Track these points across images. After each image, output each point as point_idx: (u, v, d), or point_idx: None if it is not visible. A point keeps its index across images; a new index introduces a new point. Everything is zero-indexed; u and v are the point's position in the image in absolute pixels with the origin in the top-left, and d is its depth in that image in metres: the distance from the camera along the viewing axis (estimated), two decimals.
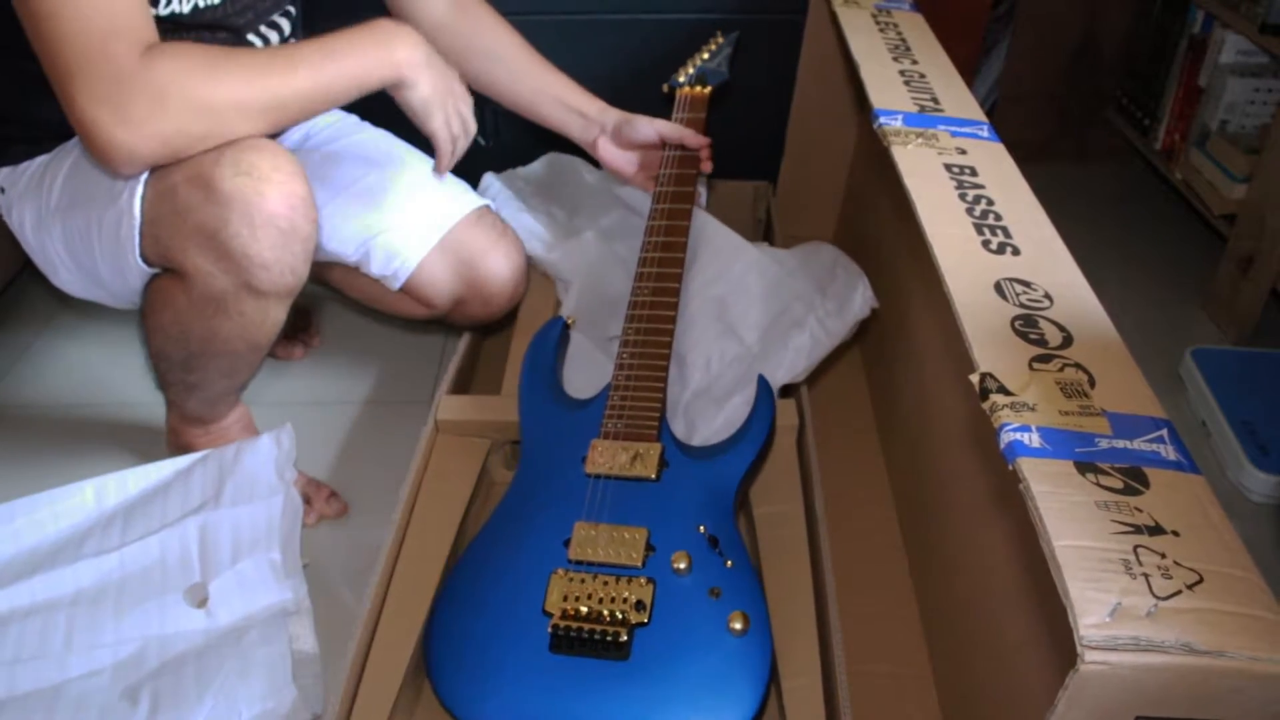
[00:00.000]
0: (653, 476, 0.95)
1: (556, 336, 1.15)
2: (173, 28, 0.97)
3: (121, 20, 0.83)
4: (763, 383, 1.07)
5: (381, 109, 1.28)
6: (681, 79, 1.38)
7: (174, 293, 0.98)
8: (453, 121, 1.06)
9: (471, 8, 1.23)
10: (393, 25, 0.98)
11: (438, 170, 1.15)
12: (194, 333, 1.00)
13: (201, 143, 0.89)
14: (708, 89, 1.36)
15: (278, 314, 1.01)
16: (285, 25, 1.10)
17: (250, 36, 1.05)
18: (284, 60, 0.91)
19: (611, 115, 1.26)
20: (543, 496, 0.96)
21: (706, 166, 1.26)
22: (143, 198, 0.93)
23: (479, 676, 0.85)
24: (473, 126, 1.10)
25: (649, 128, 1.24)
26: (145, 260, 0.96)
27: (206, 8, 0.98)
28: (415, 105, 1.02)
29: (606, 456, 0.97)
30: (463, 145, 1.11)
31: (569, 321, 1.19)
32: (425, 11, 1.20)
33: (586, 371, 1.16)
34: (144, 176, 0.93)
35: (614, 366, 1.05)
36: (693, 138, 1.25)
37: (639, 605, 0.85)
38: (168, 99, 0.84)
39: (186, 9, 0.97)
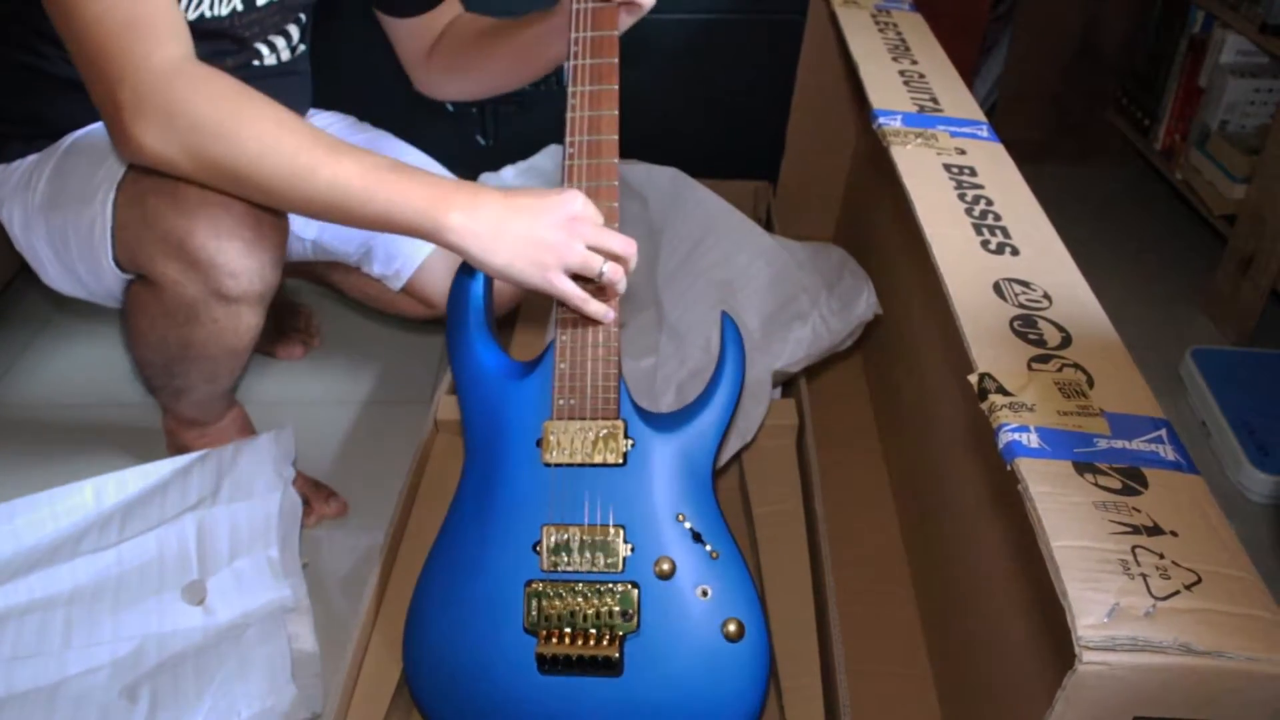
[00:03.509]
0: (619, 462, 0.86)
1: (481, 284, 0.93)
2: None
3: (142, 12, 0.80)
4: (726, 320, 0.93)
5: (381, 109, 1.29)
6: None
7: (148, 300, 0.97)
8: (559, 280, 0.84)
9: (457, 24, 1.19)
10: (466, 187, 0.82)
11: (591, 310, 0.87)
12: (170, 340, 0.99)
13: (200, 172, 0.83)
14: None
15: (251, 319, 1.00)
16: (294, 31, 1.09)
17: (258, 45, 1.05)
18: (324, 147, 0.81)
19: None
20: (501, 494, 0.88)
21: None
22: (114, 202, 0.92)
23: (469, 704, 0.84)
24: (595, 263, 0.84)
25: None
26: (119, 265, 0.96)
27: (212, 18, 0.98)
28: (500, 277, 0.85)
29: (564, 442, 0.87)
30: (619, 282, 0.86)
31: None
32: (422, 44, 1.18)
33: None
34: (116, 180, 0.92)
35: (553, 321, 0.91)
36: None
37: (625, 614, 0.83)
38: (176, 116, 0.80)
39: (191, 16, 0.96)
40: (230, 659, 0.95)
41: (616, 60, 0.91)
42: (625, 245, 0.84)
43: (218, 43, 1.01)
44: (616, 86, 0.91)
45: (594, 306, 0.86)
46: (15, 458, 1.27)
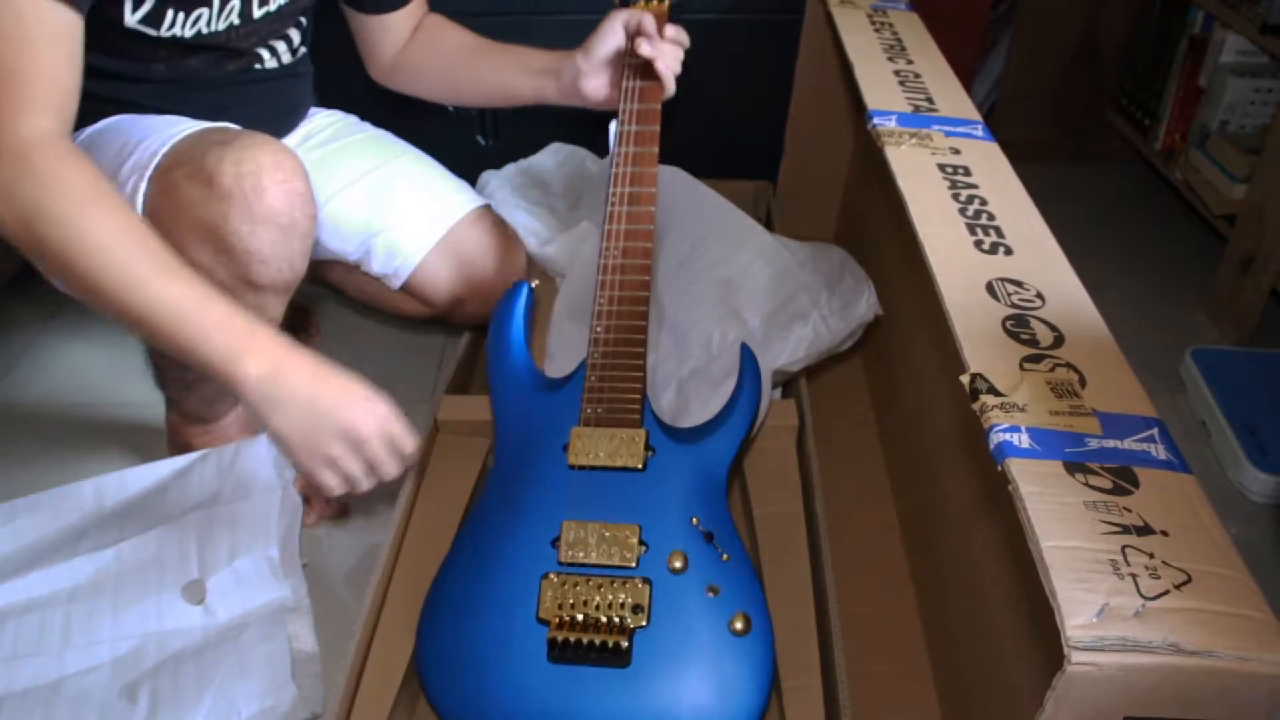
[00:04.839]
0: (639, 466, 0.92)
1: (522, 303, 1.07)
2: (174, 48, 0.98)
3: (19, 69, 0.80)
4: (746, 352, 1.03)
5: (381, 109, 1.29)
6: None
7: None
8: (320, 474, 0.89)
9: (428, 26, 1.22)
10: (278, 348, 0.86)
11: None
12: None
13: (28, 245, 0.82)
14: (665, 4, 1.17)
15: (275, 309, 1.02)
16: (295, 35, 1.10)
17: (258, 50, 1.05)
18: (159, 263, 0.82)
19: (575, 53, 1.15)
20: (525, 492, 0.93)
21: (668, 83, 1.10)
22: (145, 194, 0.93)
23: (478, 689, 0.84)
24: (383, 471, 0.91)
25: (611, 29, 1.12)
26: None
27: (210, 34, 0.98)
28: (273, 439, 0.89)
29: (589, 446, 0.94)
30: (364, 486, 0.91)
31: (533, 285, 1.12)
32: (389, 40, 1.20)
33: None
34: (147, 172, 0.93)
35: (588, 341, 1.00)
36: (649, 19, 1.09)
37: (636, 608, 0.84)
38: (22, 189, 0.79)
39: (188, 33, 0.97)
40: (230, 659, 0.95)
41: (658, 128, 1.08)
42: (398, 468, 0.91)
43: (216, 53, 1.01)
44: (656, 149, 1.07)
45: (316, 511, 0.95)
46: (15, 458, 1.28)
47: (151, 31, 0.94)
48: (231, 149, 0.90)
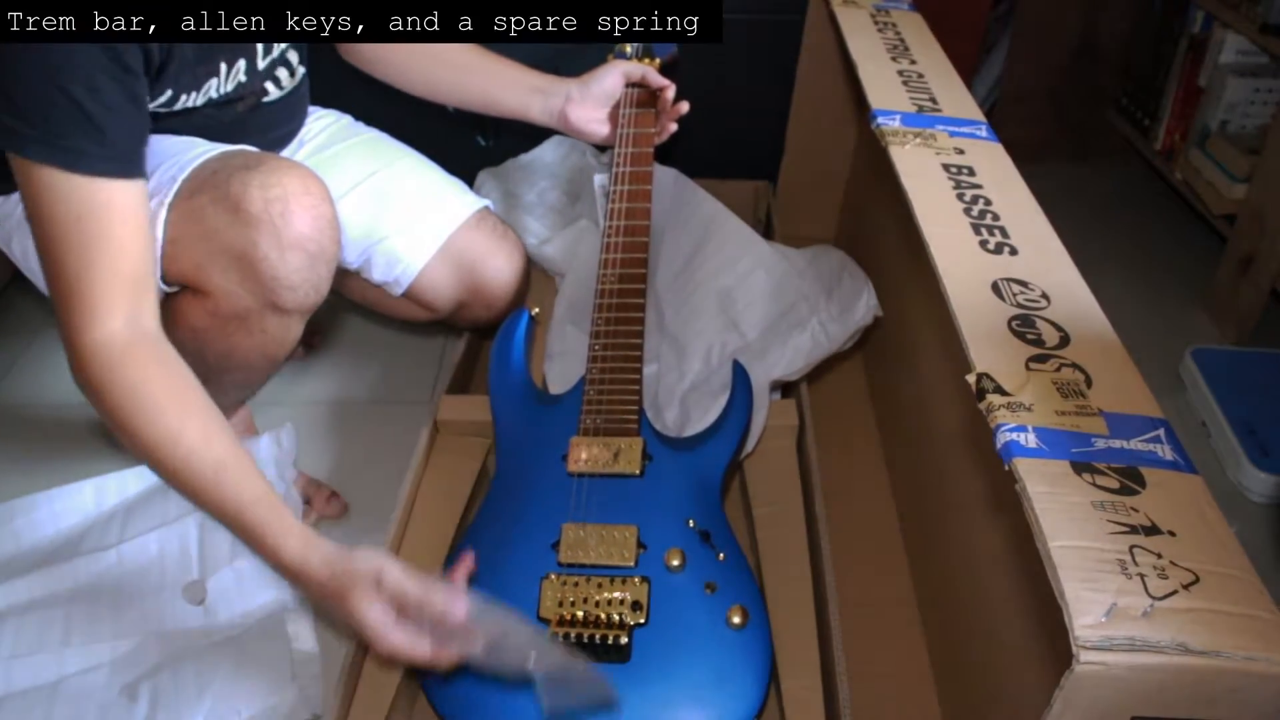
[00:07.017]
0: (637, 472, 0.95)
1: (523, 330, 1.13)
2: (188, 114, 0.98)
3: (81, 285, 0.82)
4: (738, 368, 1.07)
5: (378, 109, 1.29)
6: (628, 49, 1.29)
7: (194, 310, 0.97)
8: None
9: None
10: (301, 558, 0.82)
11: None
12: (212, 349, 0.99)
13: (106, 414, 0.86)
14: (656, 61, 1.27)
15: (297, 330, 1.01)
16: (294, 58, 1.08)
17: (265, 84, 1.05)
18: (210, 472, 0.84)
19: (570, 81, 1.20)
20: (526, 499, 0.95)
21: (682, 108, 1.20)
22: (166, 220, 0.92)
23: (478, 687, 0.84)
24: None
25: (612, 73, 1.20)
26: (163, 279, 0.96)
27: (220, 97, 0.99)
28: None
29: (588, 454, 0.96)
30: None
31: (533, 314, 1.17)
32: None
33: (580, 365, 1.16)
34: (168, 199, 0.92)
35: (586, 359, 1.04)
36: (655, 76, 1.20)
37: (635, 606, 0.85)
38: (101, 395, 0.83)
39: (200, 102, 0.97)
40: (230, 659, 0.95)
41: (652, 169, 1.17)
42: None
43: (226, 104, 1.01)
44: (650, 187, 1.15)
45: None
46: (15, 458, 1.28)
47: (164, 110, 0.94)
48: (257, 173, 0.89)
